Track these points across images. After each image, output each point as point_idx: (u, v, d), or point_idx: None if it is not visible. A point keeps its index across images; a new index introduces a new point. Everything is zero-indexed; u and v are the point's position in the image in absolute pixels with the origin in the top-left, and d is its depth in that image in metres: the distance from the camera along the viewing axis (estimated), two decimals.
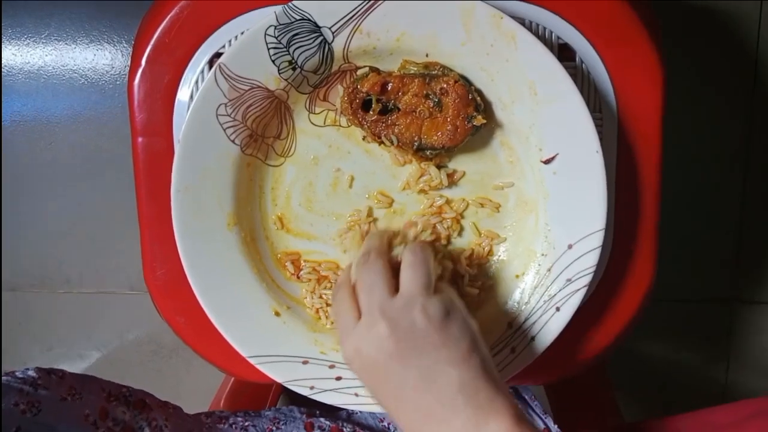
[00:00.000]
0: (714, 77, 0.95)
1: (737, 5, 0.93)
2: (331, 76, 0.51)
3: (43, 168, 1.02)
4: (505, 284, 0.54)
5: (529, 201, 0.53)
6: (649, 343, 1.06)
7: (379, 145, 0.52)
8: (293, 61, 0.49)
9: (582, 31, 0.51)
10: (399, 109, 0.51)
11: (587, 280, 0.51)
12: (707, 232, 1.01)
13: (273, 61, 0.49)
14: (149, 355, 1.08)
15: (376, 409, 0.53)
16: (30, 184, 1.03)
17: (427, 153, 0.52)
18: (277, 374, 0.53)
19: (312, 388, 0.53)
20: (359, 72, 0.51)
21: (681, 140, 0.95)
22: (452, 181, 0.53)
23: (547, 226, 0.52)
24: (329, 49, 0.49)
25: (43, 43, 0.98)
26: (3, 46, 0.99)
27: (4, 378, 0.47)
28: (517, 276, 0.53)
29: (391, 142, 0.51)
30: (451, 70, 0.50)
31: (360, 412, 0.63)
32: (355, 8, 0.48)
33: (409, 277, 0.44)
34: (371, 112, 0.51)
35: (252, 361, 0.53)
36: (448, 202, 0.54)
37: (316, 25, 0.48)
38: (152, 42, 0.52)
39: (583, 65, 0.52)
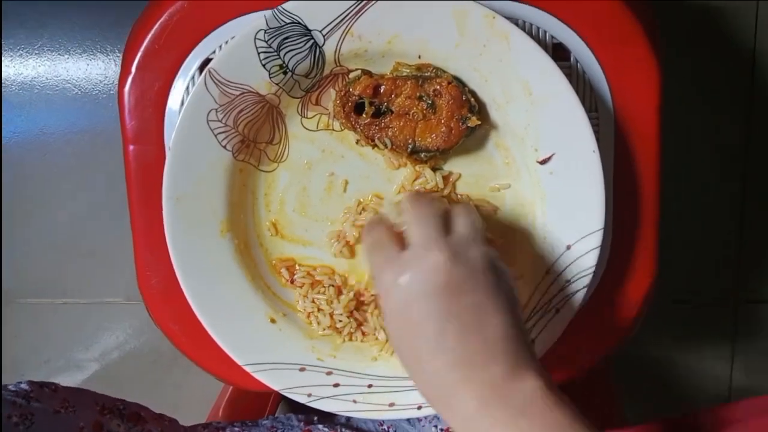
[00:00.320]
0: (712, 77, 0.95)
1: (734, 6, 0.92)
2: (323, 80, 0.51)
3: (37, 178, 1.02)
4: None
5: (526, 202, 0.52)
6: (653, 345, 1.05)
7: (373, 148, 0.51)
8: (284, 65, 0.49)
9: (576, 31, 0.51)
10: (392, 112, 0.50)
11: (587, 281, 0.50)
12: (709, 232, 1.00)
13: (264, 66, 0.48)
14: (148, 365, 1.07)
15: (374, 415, 0.53)
16: (24, 194, 1.02)
17: (422, 155, 0.51)
18: (273, 382, 0.53)
19: (309, 395, 0.53)
20: (351, 75, 0.50)
21: (680, 140, 0.94)
22: (448, 183, 0.53)
23: (545, 227, 0.51)
24: (320, 52, 0.49)
25: (36, 53, 0.98)
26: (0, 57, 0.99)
27: None
28: (516, 278, 0.52)
29: (385, 145, 0.50)
30: (444, 72, 0.50)
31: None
32: (346, 11, 0.47)
33: (462, 222, 0.43)
34: (364, 115, 0.50)
35: (248, 369, 0.52)
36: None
37: (307, 29, 0.48)
38: (142, 49, 0.52)
39: (578, 65, 0.51)
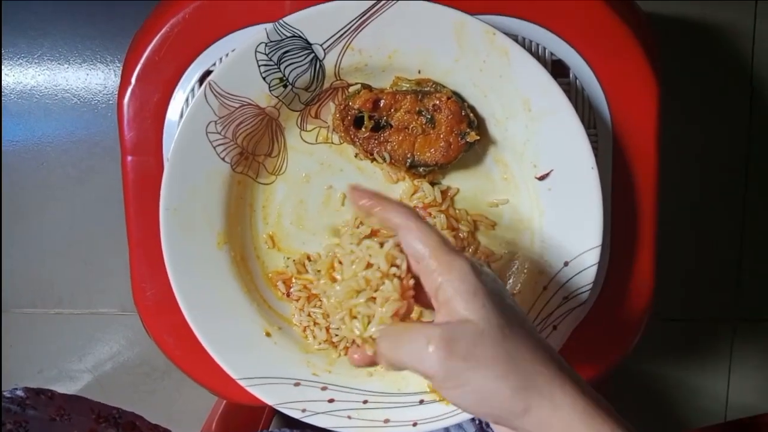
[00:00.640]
0: (710, 92, 0.95)
1: (732, 20, 0.93)
2: (322, 93, 0.51)
3: (35, 188, 1.01)
4: None
5: (524, 218, 0.52)
6: (649, 362, 1.04)
7: (372, 162, 0.51)
8: (284, 78, 0.49)
9: (576, 47, 0.51)
10: (391, 126, 0.50)
11: (584, 297, 0.50)
12: (708, 250, 1.00)
13: (264, 79, 0.48)
14: (141, 376, 1.07)
15: (372, 431, 0.52)
16: (21, 204, 1.02)
17: (420, 170, 0.51)
18: (268, 397, 0.52)
19: (304, 410, 0.52)
20: (351, 89, 0.50)
21: (679, 156, 0.94)
22: (446, 198, 0.52)
23: (543, 244, 0.51)
24: (320, 66, 0.49)
25: (35, 63, 0.98)
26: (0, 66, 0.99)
27: None
28: (513, 294, 0.52)
29: (384, 159, 0.50)
30: (444, 87, 0.50)
31: None
32: (347, 25, 0.47)
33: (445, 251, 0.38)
34: (363, 129, 0.50)
35: (242, 383, 0.52)
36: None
37: (308, 42, 0.48)
38: (142, 60, 0.52)
39: (577, 81, 0.51)
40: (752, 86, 0.95)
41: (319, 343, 0.53)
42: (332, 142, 0.52)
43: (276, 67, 0.48)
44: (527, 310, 0.51)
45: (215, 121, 0.49)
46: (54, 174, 1.01)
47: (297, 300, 0.54)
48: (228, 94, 0.48)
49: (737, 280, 1.01)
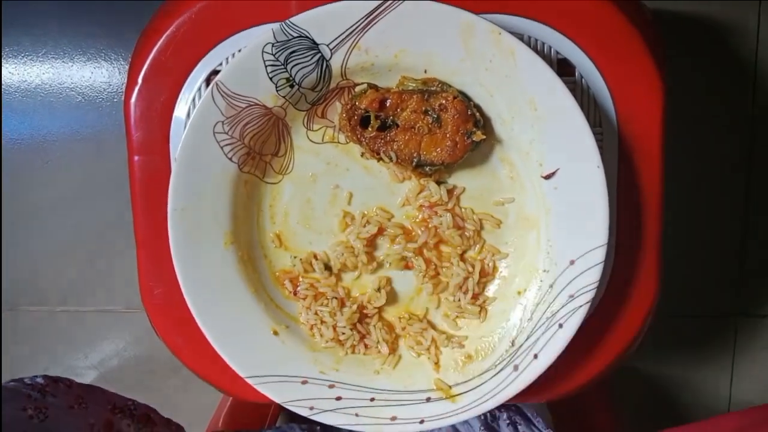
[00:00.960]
0: (713, 90, 0.95)
1: (736, 19, 0.93)
2: (329, 93, 0.51)
3: (39, 186, 1.02)
4: (507, 301, 0.53)
5: (530, 216, 0.52)
6: (652, 358, 1.05)
7: (378, 161, 0.52)
8: (291, 78, 0.49)
9: (581, 46, 0.51)
10: (398, 126, 0.50)
11: (590, 296, 0.50)
12: (710, 247, 1.00)
13: (271, 79, 0.49)
14: (147, 374, 1.07)
15: (376, 428, 0.52)
16: (26, 202, 1.02)
17: (427, 169, 0.51)
18: (275, 395, 0.52)
19: (312, 408, 0.52)
20: (357, 89, 0.50)
21: (682, 154, 0.94)
22: (452, 197, 0.53)
23: (549, 242, 0.51)
24: (327, 66, 0.49)
25: (40, 61, 0.98)
26: (1, 64, 0.99)
27: (12, 384, 0.47)
28: (519, 292, 0.52)
29: (390, 159, 0.51)
30: (450, 86, 0.50)
31: None
32: (353, 25, 0.47)
33: None
34: (370, 129, 0.50)
35: (250, 381, 0.52)
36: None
37: (314, 42, 0.48)
38: (149, 60, 0.52)
39: (583, 80, 0.51)
40: (755, 85, 0.95)
41: (326, 342, 0.54)
42: (338, 142, 0.53)
43: (283, 67, 0.49)
44: (533, 309, 0.51)
45: (222, 121, 0.49)
46: (59, 172, 1.01)
47: (304, 299, 0.54)
48: (235, 94, 0.49)
49: (740, 276, 1.01)
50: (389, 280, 0.55)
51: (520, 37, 0.49)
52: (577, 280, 0.50)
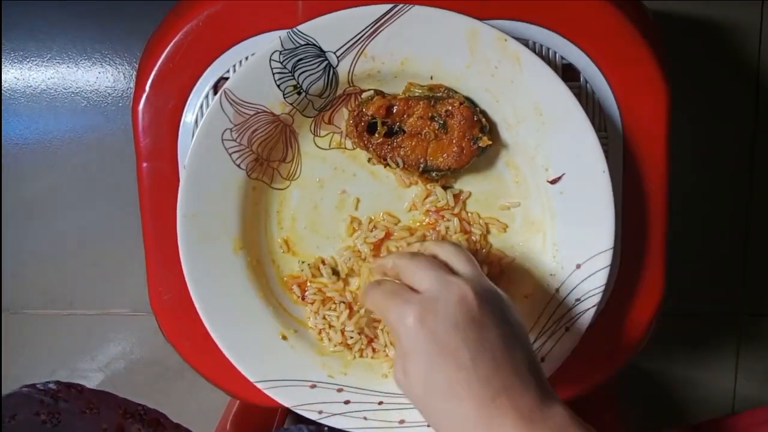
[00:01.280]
0: (716, 92, 0.96)
1: (738, 20, 0.93)
2: (336, 100, 0.51)
3: (45, 190, 1.02)
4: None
5: (536, 221, 0.53)
6: (656, 358, 1.05)
7: (385, 167, 0.52)
8: (298, 85, 0.49)
9: (586, 51, 0.51)
10: (404, 132, 0.51)
11: (596, 299, 0.51)
12: (714, 246, 1.01)
13: (278, 86, 0.49)
14: (154, 377, 1.08)
15: None
16: (33, 206, 1.03)
17: (433, 174, 0.52)
18: (284, 399, 0.53)
19: (320, 412, 0.53)
20: (364, 95, 0.51)
21: (686, 154, 0.95)
22: (458, 201, 0.53)
23: (555, 246, 0.51)
24: (334, 73, 0.49)
25: (45, 66, 0.99)
26: (5, 69, 0.99)
27: (25, 389, 0.48)
28: (526, 296, 0.53)
29: (397, 165, 0.51)
30: (456, 92, 0.50)
31: None
32: (360, 32, 0.48)
33: (460, 261, 0.43)
34: (377, 135, 0.51)
35: (259, 385, 0.53)
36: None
37: (321, 50, 0.48)
38: (156, 67, 0.52)
39: (588, 85, 0.52)
40: (758, 86, 0.95)
41: (335, 346, 0.54)
42: (345, 148, 0.53)
43: (290, 74, 0.49)
44: (539, 313, 0.52)
45: (231, 129, 0.50)
46: (64, 176, 1.02)
47: (312, 303, 0.54)
48: (243, 102, 0.49)
49: (743, 275, 1.01)
50: None
51: (525, 42, 0.49)
52: (583, 283, 0.51)
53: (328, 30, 0.48)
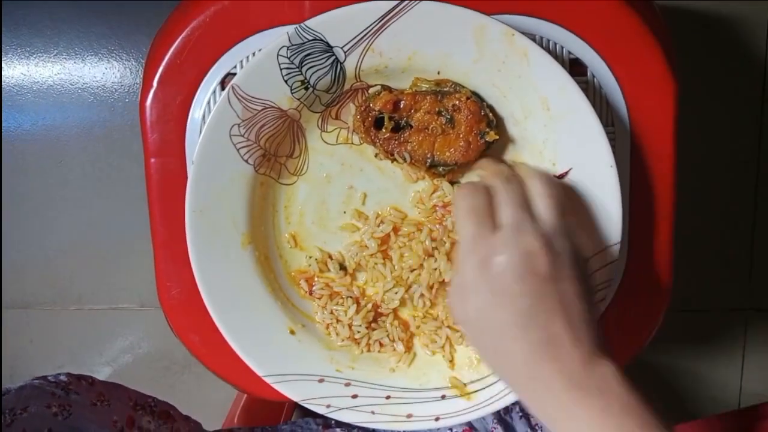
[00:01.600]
0: (723, 87, 0.95)
1: (745, 16, 0.93)
2: (343, 95, 0.51)
3: (53, 186, 1.03)
4: None
5: None
6: (663, 352, 1.05)
7: (392, 162, 0.52)
8: (306, 81, 0.49)
9: (593, 46, 0.51)
10: (411, 127, 0.51)
11: (604, 294, 0.51)
12: (721, 241, 1.00)
13: (286, 82, 0.49)
14: (161, 371, 1.08)
15: (392, 426, 0.53)
16: (40, 202, 1.04)
17: (440, 169, 0.52)
18: (293, 393, 0.53)
19: (328, 406, 0.53)
20: (371, 90, 0.51)
21: (692, 150, 0.95)
22: None
23: None
24: (341, 68, 0.49)
25: (52, 62, 0.99)
26: (12, 65, 1.00)
27: (37, 381, 0.48)
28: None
29: (404, 160, 0.51)
30: (463, 87, 0.50)
31: None
32: (367, 28, 0.48)
33: (546, 205, 0.44)
34: (384, 130, 0.51)
35: (268, 380, 0.53)
36: None
37: (329, 45, 0.48)
38: (164, 63, 0.53)
39: (595, 80, 0.52)
40: (765, 82, 0.95)
41: (342, 340, 0.54)
42: (352, 143, 0.53)
43: (297, 70, 0.49)
44: None
45: (238, 124, 0.50)
46: (72, 172, 1.02)
47: (319, 298, 0.55)
48: (251, 97, 0.49)
49: (749, 271, 1.01)
50: None
51: (532, 37, 0.49)
52: (590, 278, 0.51)
53: (336, 25, 0.48)
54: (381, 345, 0.55)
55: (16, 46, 0.99)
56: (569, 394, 0.39)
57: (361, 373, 0.54)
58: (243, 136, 0.50)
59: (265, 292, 0.53)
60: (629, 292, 0.54)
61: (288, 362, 0.53)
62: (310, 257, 0.55)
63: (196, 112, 0.53)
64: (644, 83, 0.52)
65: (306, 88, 0.50)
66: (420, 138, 0.51)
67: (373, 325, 0.55)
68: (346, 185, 0.54)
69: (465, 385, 0.53)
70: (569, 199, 0.50)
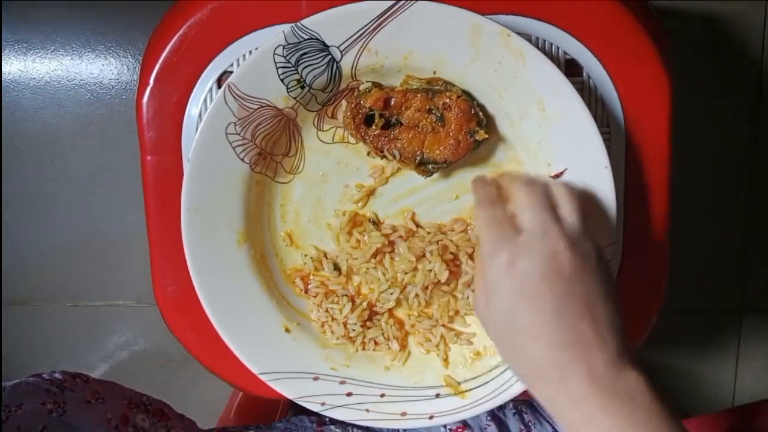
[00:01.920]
0: (718, 87, 0.95)
1: (741, 16, 0.93)
2: (339, 94, 0.51)
3: (49, 182, 1.03)
4: None
5: None
6: (657, 352, 1.05)
7: (382, 159, 0.52)
8: (302, 80, 0.49)
9: (589, 47, 0.51)
10: (401, 124, 0.51)
11: None
12: (716, 242, 1.01)
13: (282, 81, 0.49)
14: (157, 368, 1.09)
15: (387, 424, 0.54)
16: (37, 198, 1.04)
17: (430, 167, 0.52)
18: (287, 391, 0.53)
19: (323, 404, 0.53)
20: (362, 87, 0.51)
21: (688, 150, 0.95)
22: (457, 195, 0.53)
23: None
24: (337, 67, 0.49)
25: (49, 58, 0.99)
26: (9, 61, 0.99)
27: (32, 379, 0.48)
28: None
29: (394, 157, 0.51)
30: (454, 85, 0.50)
31: None
32: (363, 27, 0.48)
33: (570, 210, 0.44)
34: (374, 127, 0.51)
35: (263, 377, 0.53)
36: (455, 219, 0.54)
37: (325, 45, 0.49)
38: (160, 61, 0.53)
39: (590, 80, 0.52)
40: (761, 83, 0.95)
41: (337, 338, 0.54)
42: (348, 142, 0.53)
43: (294, 69, 0.49)
44: None
45: (234, 123, 0.50)
46: (68, 169, 1.02)
47: (315, 296, 0.55)
48: (247, 96, 0.49)
49: (745, 271, 1.01)
50: None
51: (528, 37, 0.49)
52: None
53: (332, 25, 0.48)
54: (376, 343, 0.55)
55: (13, 41, 0.99)
56: (592, 398, 0.38)
57: (356, 371, 0.54)
58: (239, 134, 0.50)
59: (260, 290, 0.54)
60: (625, 292, 0.54)
61: (283, 360, 0.53)
62: (306, 256, 0.55)
63: (192, 109, 0.53)
64: (639, 84, 0.52)
65: (302, 87, 0.50)
66: (410, 135, 0.51)
67: (368, 323, 0.55)
68: (342, 184, 0.54)
69: (459, 383, 0.54)
70: None
